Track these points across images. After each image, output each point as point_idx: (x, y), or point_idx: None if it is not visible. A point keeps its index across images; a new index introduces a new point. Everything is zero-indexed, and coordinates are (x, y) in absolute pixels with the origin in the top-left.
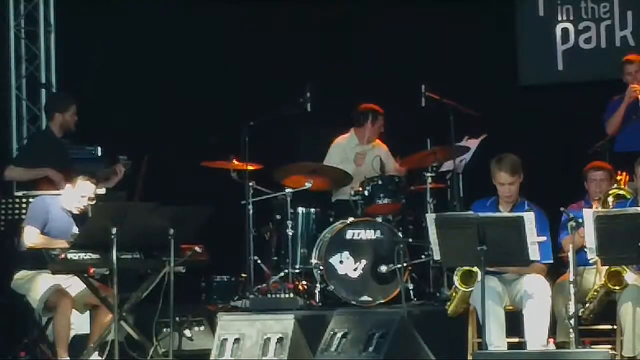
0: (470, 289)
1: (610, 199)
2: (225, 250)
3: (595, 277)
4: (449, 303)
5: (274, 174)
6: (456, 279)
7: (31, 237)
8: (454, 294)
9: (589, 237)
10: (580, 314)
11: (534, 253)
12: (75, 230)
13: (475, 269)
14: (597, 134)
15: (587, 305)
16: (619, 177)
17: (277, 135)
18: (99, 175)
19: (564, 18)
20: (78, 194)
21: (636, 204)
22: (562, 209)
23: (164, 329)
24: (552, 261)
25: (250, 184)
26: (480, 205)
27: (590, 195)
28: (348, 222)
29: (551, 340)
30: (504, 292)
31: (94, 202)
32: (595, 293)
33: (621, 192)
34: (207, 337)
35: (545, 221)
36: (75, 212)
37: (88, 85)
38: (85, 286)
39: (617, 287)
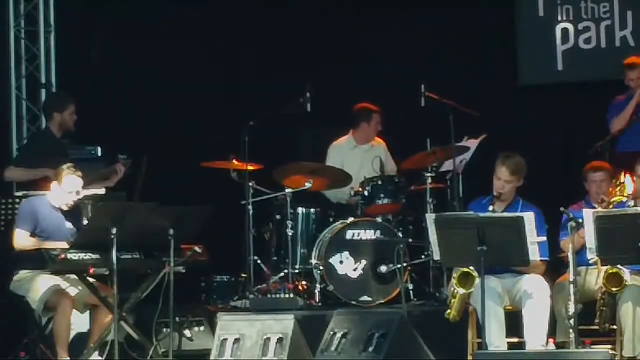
0: (469, 292)
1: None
2: (225, 250)
3: (595, 277)
4: (448, 310)
5: (274, 174)
6: (454, 281)
7: (21, 239)
8: (452, 300)
9: (589, 237)
10: (597, 322)
11: (533, 253)
12: (69, 225)
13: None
14: (597, 134)
15: (599, 314)
16: (620, 181)
17: (277, 135)
18: (99, 175)
19: (564, 18)
20: (65, 190)
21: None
22: (562, 209)
23: (164, 329)
24: (548, 258)
25: (250, 184)
26: (477, 203)
27: (590, 196)
28: (348, 222)
29: (551, 340)
30: (503, 292)
31: (81, 195)
32: (602, 300)
33: (623, 198)
34: (207, 337)
35: (542, 219)
36: (65, 208)
37: (88, 85)
38: (85, 286)
39: (617, 289)
